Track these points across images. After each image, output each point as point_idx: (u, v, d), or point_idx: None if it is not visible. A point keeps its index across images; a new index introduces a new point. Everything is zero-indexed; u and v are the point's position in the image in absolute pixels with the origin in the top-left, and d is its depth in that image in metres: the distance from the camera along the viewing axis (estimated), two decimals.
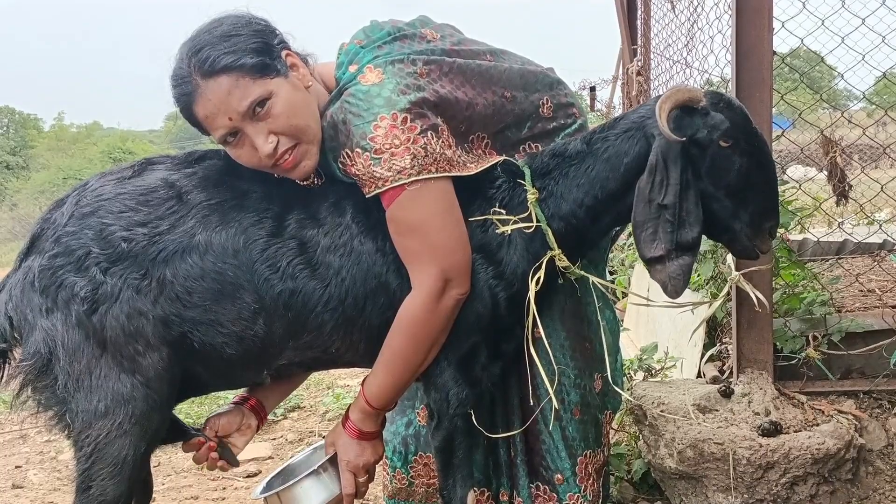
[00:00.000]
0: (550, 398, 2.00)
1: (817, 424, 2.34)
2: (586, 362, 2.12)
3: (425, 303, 1.83)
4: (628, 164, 1.86)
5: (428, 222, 1.83)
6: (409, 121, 1.79)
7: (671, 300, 1.90)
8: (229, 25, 1.81)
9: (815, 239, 3.63)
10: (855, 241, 3.80)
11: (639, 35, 5.28)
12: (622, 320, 2.70)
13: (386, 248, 1.89)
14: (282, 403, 2.21)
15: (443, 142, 1.84)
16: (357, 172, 1.82)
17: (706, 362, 2.77)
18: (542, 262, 1.93)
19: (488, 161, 1.97)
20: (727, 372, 2.61)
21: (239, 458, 3.39)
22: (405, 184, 1.79)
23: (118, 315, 1.78)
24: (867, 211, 3.67)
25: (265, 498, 2.03)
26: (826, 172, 4.29)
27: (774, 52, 2.43)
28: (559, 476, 2.10)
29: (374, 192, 1.82)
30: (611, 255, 4.14)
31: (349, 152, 1.82)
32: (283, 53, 1.85)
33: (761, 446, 2.25)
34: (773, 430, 2.28)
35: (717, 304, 2.33)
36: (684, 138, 1.78)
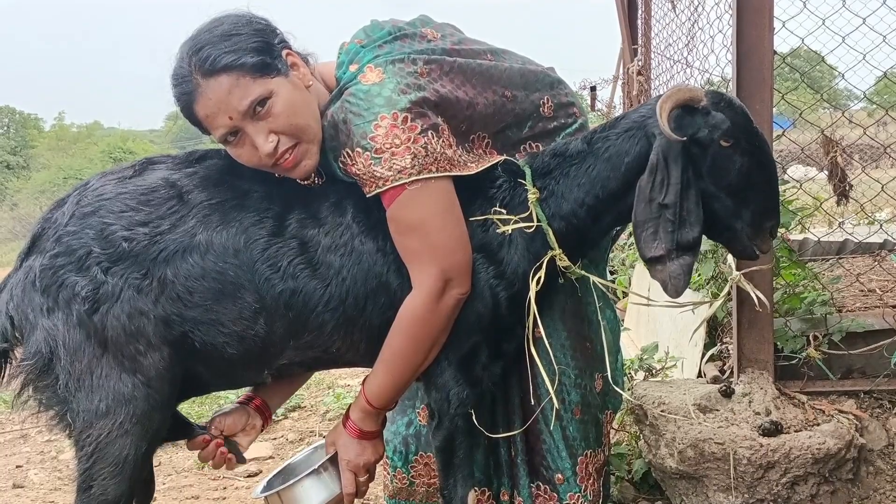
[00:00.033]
0: (551, 398, 1.99)
1: (818, 424, 2.34)
2: (587, 362, 2.12)
3: (426, 302, 1.83)
4: (629, 164, 1.86)
5: (428, 222, 1.83)
6: (409, 120, 1.79)
7: (672, 300, 1.90)
8: (230, 25, 1.81)
9: (816, 239, 3.62)
10: (855, 240, 3.80)
11: (639, 34, 5.28)
12: (623, 320, 2.70)
13: (386, 248, 1.89)
14: (283, 403, 2.22)
15: (443, 141, 1.84)
16: (357, 172, 1.82)
17: (707, 362, 2.78)
18: (542, 262, 1.93)
19: (489, 161, 1.97)
20: (728, 372, 2.61)
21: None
22: (406, 183, 1.79)
23: (119, 315, 1.78)
24: (868, 211, 3.67)
25: (266, 497, 2.03)
26: (826, 172, 4.29)
27: (775, 52, 2.43)
28: (560, 476, 2.10)
29: (375, 192, 1.82)
30: (611, 255, 4.14)
31: (350, 152, 1.82)
32: (284, 53, 1.85)
33: (762, 446, 2.25)
34: (774, 429, 2.28)
35: (717, 303, 2.33)
36: (685, 138, 1.78)
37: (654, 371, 3.19)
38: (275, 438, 3.94)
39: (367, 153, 1.79)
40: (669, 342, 3.34)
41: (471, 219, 1.91)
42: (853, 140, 4.30)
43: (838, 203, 4.35)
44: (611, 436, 2.35)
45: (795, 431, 2.31)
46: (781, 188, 2.36)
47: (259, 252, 1.85)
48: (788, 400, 2.44)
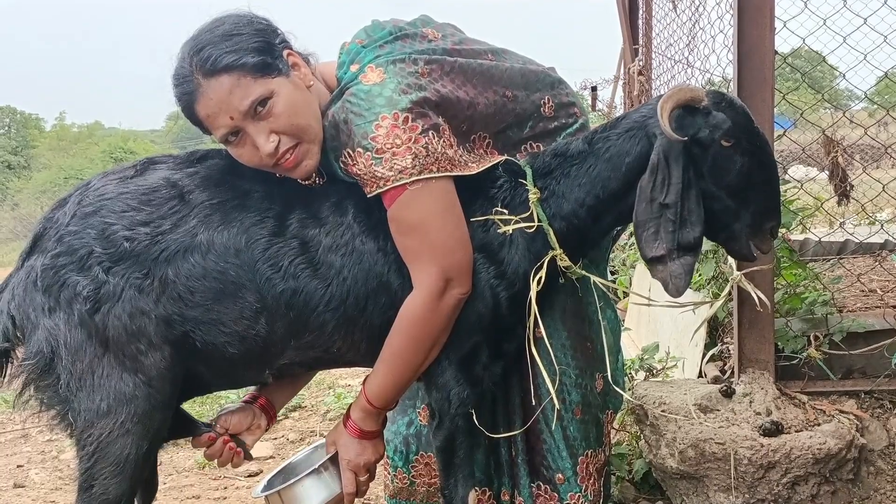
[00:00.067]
0: (552, 398, 1.99)
1: (818, 424, 2.34)
2: (587, 362, 2.12)
3: (426, 302, 1.83)
4: (630, 164, 1.86)
5: (429, 222, 1.83)
6: (410, 120, 1.79)
7: (673, 300, 1.90)
8: (231, 25, 1.82)
9: (817, 239, 3.62)
10: (856, 241, 3.80)
11: (640, 34, 5.28)
12: (623, 320, 2.70)
13: (387, 248, 1.89)
14: (277, 411, 2.22)
15: (444, 141, 1.84)
16: (358, 172, 1.83)
17: (707, 362, 2.78)
18: (543, 262, 1.93)
19: (490, 161, 1.97)
20: (728, 372, 2.61)
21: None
22: (406, 183, 1.80)
23: (120, 314, 1.79)
24: (868, 211, 3.66)
25: (266, 496, 2.03)
26: (827, 172, 4.29)
27: (776, 52, 2.43)
28: (560, 475, 2.10)
29: (376, 192, 1.82)
30: (612, 255, 4.14)
31: (350, 152, 1.82)
32: (285, 53, 1.85)
33: (762, 446, 2.25)
34: (775, 429, 2.28)
35: (718, 303, 2.33)
36: (686, 138, 1.78)
37: (654, 371, 3.19)
38: (275, 438, 3.94)
39: (368, 153, 1.79)
40: (670, 342, 3.34)
41: (472, 219, 1.91)
42: (854, 140, 4.30)
43: (839, 203, 4.35)
44: (611, 436, 2.35)
45: (796, 431, 2.31)
46: (782, 188, 2.36)
47: (260, 252, 1.85)
48: (789, 400, 2.44)
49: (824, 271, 3.19)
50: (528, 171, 1.97)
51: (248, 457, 2.12)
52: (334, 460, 2.00)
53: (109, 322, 1.78)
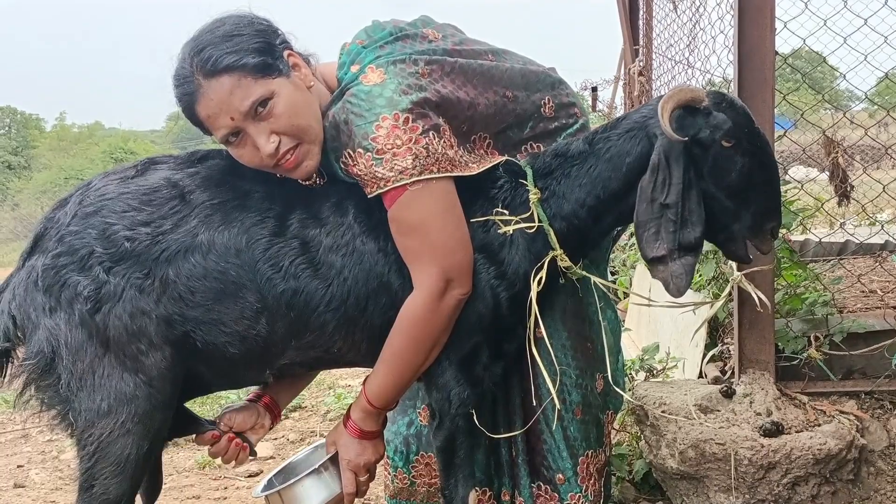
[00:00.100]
0: (552, 398, 1.99)
1: (819, 425, 2.34)
2: (588, 362, 2.12)
3: (427, 303, 1.83)
4: (630, 164, 1.86)
5: (429, 222, 1.83)
6: (410, 121, 1.79)
7: (673, 300, 1.90)
8: (231, 25, 1.82)
9: (817, 239, 3.62)
10: (857, 241, 3.80)
11: (641, 35, 5.28)
12: (623, 321, 2.70)
13: (388, 248, 1.89)
14: (282, 410, 2.22)
15: (444, 142, 1.84)
16: (359, 173, 1.83)
17: (708, 363, 2.78)
18: (543, 262, 1.93)
19: (490, 161, 1.97)
20: (729, 372, 2.61)
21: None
22: (407, 184, 1.80)
23: (121, 314, 1.79)
24: (869, 211, 3.66)
25: (266, 496, 2.03)
26: (828, 173, 4.29)
27: (776, 53, 2.43)
28: (560, 476, 2.10)
29: (376, 193, 1.82)
30: (612, 256, 4.14)
31: (351, 152, 1.82)
32: (286, 53, 1.85)
33: (763, 447, 2.25)
34: (775, 430, 2.28)
35: (718, 304, 2.33)
36: (686, 138, 1.78)
37: (654, 371, 3.19)
38: (276, 438, 3.94)
39: (369, 154, 1.79)
40: (670, 343, 3.34)
41: (472, 219, 1.92)
42: (854, 141, 4.30)
43: (839, 204, 4.35)
44: (612, 436, 2.35)
45: (796, 432, 2.31)
46: (783, 189, 2.36)
47: (261, 252, 1.85)
48: (789, 400, 2.43)
49: (825, 272, 3.19)
50: (529, 172, 1.97)
51: (253, 453, 2.12)
52: (334, 460, 2.00)
53: (110, 322, 1.78)
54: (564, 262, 1.95)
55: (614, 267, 4.98)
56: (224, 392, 3.74)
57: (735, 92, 2.39)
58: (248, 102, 1.77)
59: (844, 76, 3.06)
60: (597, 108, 7.86)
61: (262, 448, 3.72)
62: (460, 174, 1.87)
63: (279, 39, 1.87)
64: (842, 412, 2.41)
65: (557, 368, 2.02)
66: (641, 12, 5.29)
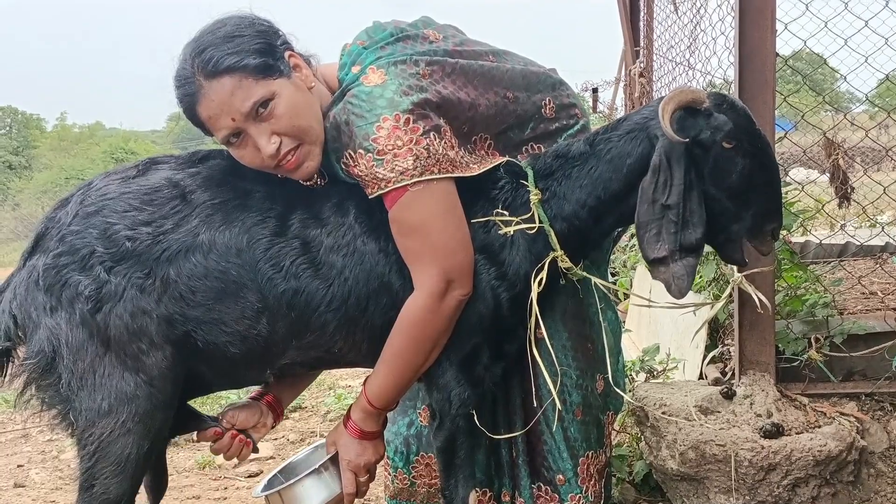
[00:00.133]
0: (553, 399, 2.00)
1: (819, 426, 2.34)
2: (588, 363, 2.13)
3: (427, 303, 1.83)
4: (631, 165, 1.86)
5: (430, 223, 1.83)
6: (411, 122, 1.79)
7: (673, 301, 1.90)
8: (233, 26, 1.82)
9: (818, 241, 3.62)
10: (857, 243, 3.80)
11: (641, 37, 5.28)
12: (624, 322, 2.70)
13: (389, 249, 1.89)
14: (284, 409, 2.23)
15: (445, 143, 1.84)
16: (360, 173, 1.83)
17: (708, 364, 2.77)
18: (544, 263, 1.93)
19: (491, 162, 1.97)
20: (729, 373, 2.61)
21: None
22: (407, 185, 1.80)
23: (122, 314, 1.79)
24: (869, 213, 3.66)
25: (266, 496, 2.03)
26: (828, 175, 4.29)
27: (777, 54, 2.43)
28: (561, 477, 2.10)
29: (377, 193, 1.83)
30: (613, 257, 4.14)
31: (352, 153, 1.82)
32: (287, 54, 1.85)
33: (763, 448, 2.25)
34: (775, 431, 2.28)
35: (719, 305, 2.33)
36: (687, 139, 1.78)
37: (655, 373, 3.19)
38: (276, 439, 3.94)
39: (370, 154, 1.79)
40: (671, 344, 3.34)
41: (473, 220, 1.92)
42: (855, 143, 4.30)
43: (840, 206, 4.35)
44: (612, 437, 2.35)
45: (797, 433, 2.31)
46: (783, 190, 2.36)
47: (262, 252, 1.85)
48: (790, 402, 2.43)
49: (825, 273, 3.19)
50: (530, 173, 1.97)
51: (255, 450, 2.13)
52: (334, 460, 2.00)
53: (111, 321, 1.79)
54: (565, 262, 1.95)
55: (615, 268, 4.98)
56: (225, 392, 3.74)
57: (736, 93, 2.39)
58: (249, 103, 1.77)
59: (845, 78, 3.07)
60: (597, 110, 7.87)
61: (263, 448, 3.71)
62: (461, 175, 1.87)
63: (280, 40, 1.87)
64: (842, 414, 2.41)
65: (558, 369, 2.02)
66: (642, 13, 5.29)
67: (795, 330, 2.54)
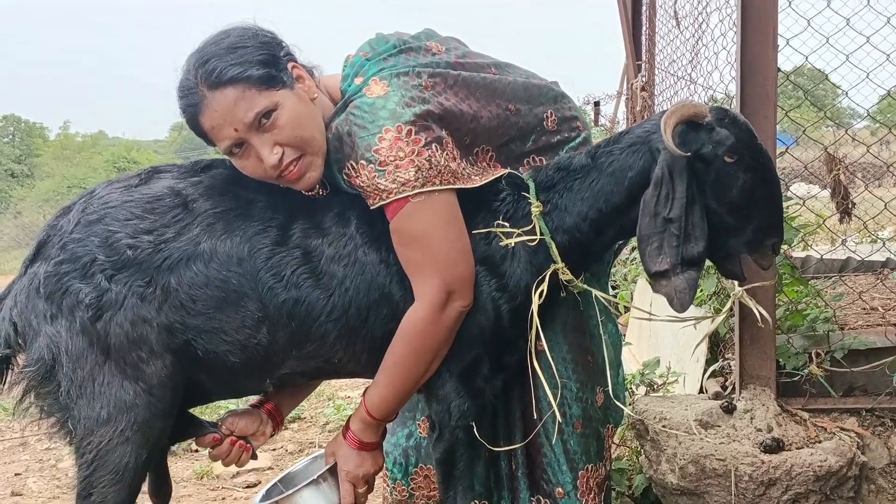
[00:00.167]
0: (553, 411, 1.99)
1: (819, 441, 2.33)
2: (588, 376, 2.12)
3: (428, 314, 1.83)
4: (632, 178, 1.87)
5: (431, 234, 1.83)
6: (413, 133, 1.80)
7: (674, 315, 1.90)
8: (236, 37, 1.83)
9: (819, 256, 3.62)
10: (858, 258, 3.80)
11: (643, 50, 5.29)
12: (624, 335, 2.69)
13: (390, 259, 1.89)
14: (284, 418, 2.22)
15: (447, 154, 1.84)
16: (361, 184, 1.83)
17: (708, 378, 2.77)
18: (545, 275, 1.93)
19: (493, 174, 1.97)
20: (729, 388, 2.60)
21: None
22: (409, 196, 1.80)
23: (122, 322, 1.79)
24: (870, 229, 3.66)
25: None
26: (829, 190, 4.29)
27: (779, 69, 2.44)
28: (560, 490, 2.09)
29: (379, 204, 1.83)
30: (613, 270, 4.14)
31: (354, 164, 1.82)
32: (290, 65, 1.86)
33: (763, 463, 2.25)
34: (776, 446, 2.27)
35: (719, 319, 2.33)
36: (689, 153, 1.79)
37: (655, 386, 3.18)
38: (274, 449, 3.93)
39: (371, 165, 1.80)
40: (671, 357, 3.34)
41: (474, 231, 1.92)
42: (856, 158, 4.31)
43: (841, 221, 4.35)
44: (612, 450, 2.35)
45: (797, 448, 2.30)
46: (784, 205, 2.36)
47: (263, 261, 1.85)
48: (790, 417, 2.43)
49: (826, 288, 3.18)
50: (531, 185, 1.98)
51: (254, 456, 2.12)
52: (333, 471, 2.00)
53: (111, 330, 1.79)
54: (566, 275, 1.95)
55: (615, 281, 4.97)
56: (224, 402, 3.74)
57: (737, 108, 2.40)
58: (251, 114, 1.78)
59: (846, 94, 3.07)
60: (599, 123, 7.88)
61: (261, 459, 3.70)
62: (463, 186, 1.87)
63: (283, 51, 1.88)
64: (843, 429, 2.40)
65: (558, 381, 2.02)
66: (644, 28, 5.31)
67: (796, 344, 2.54)
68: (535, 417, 2.05)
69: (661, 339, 3.69)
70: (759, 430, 2.35)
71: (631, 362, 3.93)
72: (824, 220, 3.31)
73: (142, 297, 1.81)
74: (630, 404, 2.63)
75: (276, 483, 2.15)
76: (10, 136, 51.57)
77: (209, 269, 1.84)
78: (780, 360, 2.50)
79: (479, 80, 1.99)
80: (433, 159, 1.81)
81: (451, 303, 1.84)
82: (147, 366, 1.80)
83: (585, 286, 2.01)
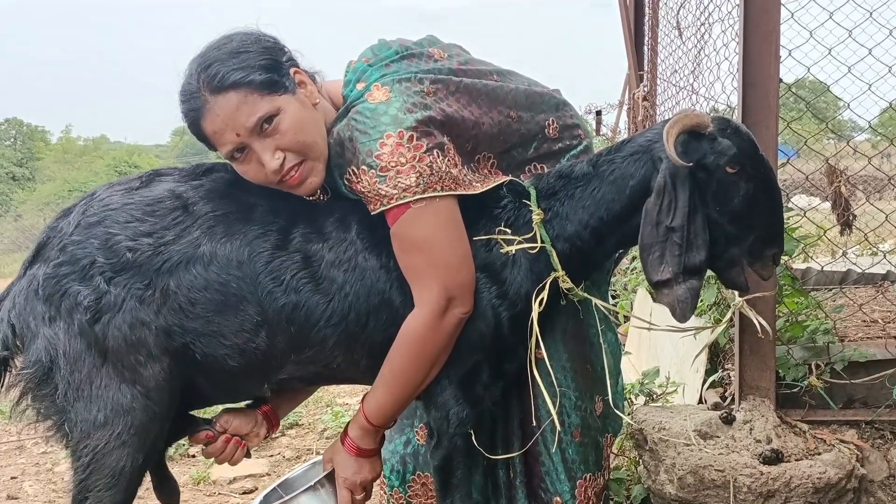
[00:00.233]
0: (552, 420, 1.98)
1: (819, 453, 2.33)
2: (587, 384, 2.12)
3: (428, 320, 1.83)
4: (634, 187, 1.87)
5: (432, 240, 1.83)
6: (415, 139, 1.80)
7: (673, 325, 1.89)
8: (239, 42, 1.83)
9: (819, 268, 3.62)
10: (858, 271, 3.80)
11: (646, 61, 5.30)
12: (624, 344, 2.69)
13: (390, 265, 1.89)
14: (280, 420, 2.22)
15: (448, 160, 1.84)
16: (362, 189, 1.83)
17: (708, 388, 2.76)
18: (545, 283, 1.93)
19: (494, 180, 1.97)
20: (729, 398, 2.59)
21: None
22: (410, 201, 1.80)
23: (120, 325, 1.78)
24: (871, 241, 3.66)
25: None
26: (830, 202, 4.29)
27: (781, 81, 2.44)
28: (558, 499, 2.08)
29: (380, 210, 1.83)
30: (613, 280, 4.14)
31: (355, 169, 1.82)
32: (292, 71, 1.87)
33: (762, 474, 2.24)
34: (775, 458, 2.26)
35: (719, 329, 2.33)
36: (691, 163, 1.79)
37: (654, 396, 3.18)
38: (272, 455, 3.92)
39: (373, 171, 1.80)
40: (670, 367, 3.33)
41: (475, 238, 1.92)
42: (857, 171, 4.31)
43: (842, 233, 4.35)
44: (610, 460, 2.34)
45: (796, 460, 2.29)
46: (785, 216, 2.36)
47: (262, 265, 1.85)
48: (789, 428, 2.42)
49: (826, 300, 3.18)
50: (533, 192, 1.98)
51: (248, 454, 2.11)
52: (331, 478, 1.99)
53: (109, 332, 1.78)
54: (566, 283, 1.95)
55: (615, 291, 4.97)
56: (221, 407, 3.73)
57: (739, 119, 2.40)
58: (253, 119, 1.78)
59: (848, 105, 3.07)
60: (600, 132, 7.89)
61: (258, 465, 3.70)
62: (464, 193, 1.87)
63: (286, 57, 1.88)
64: (842, 441, 2.39)
65: (557, 390, 2.01)
66: (646, 38, 5.32)
67: (796, 356, 2.54)
68: (534, 426, 2.04)
69: (661, 349, 3.69)
70: (759, 441, 2.34)
71: (630, 372, 3.92)
72: (825, 232, 3.31)
73: (141, 300, 1.80)
74: (629, 414, 2.62)
75: (273, 489, 2.15)
76: (12, 140, 51.66)
77: (209, 272, 1.83)
78: (780, 371, 2.50)
79: (480, 87, 1.99)
80: (434, 165, 1.81)
81: (452, 309, 1.84)
82: (145, 369, 1.80)
83: (586, 294, 2.01)
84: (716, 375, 2.80)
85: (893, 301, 3.26)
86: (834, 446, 2.36)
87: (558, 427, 2.00)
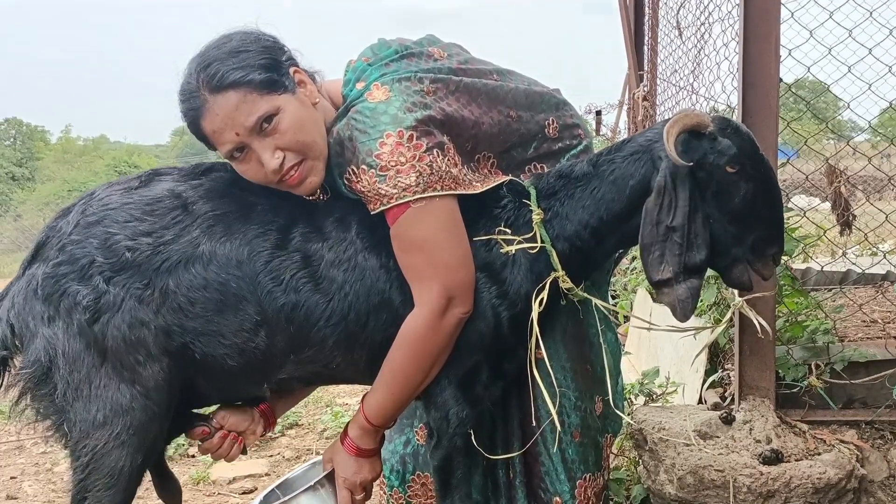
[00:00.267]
0: (551, 420, 1.98)
1: (818, 454, 2.32)
2: (587, 384, 2.12)
3: (427, 320, 1.83)
4: (634, 187, 1.86)
5: (432, 240, 1.83)
6: (414, 138, 1.79)
7: (673, 325, 1.89)
8: (238, 41, 1.83)
9: (819, 268, 3.62)
10: (858, 271, 3.80)
11: (645, 61, 5.30)
12: (624, 345, 2.69)
13: (390, 265, 1.89)
14: (280, 421, 2.21)
15: (448, 160, 1.84)
16: (362, 189, 1.83)
17: (708, 388, 2.76)
18: (545, 283, 1.93)
19: (494, 180, 1.97)
20: (729, 398, 2.59)
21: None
22: (410, 201, 1.80)
23: (120, 324, 1.78)
24: (871, 241, 3.66)
25: None
26: (830, 202, 4.29)
27: (781, 80, 2.44)
28: (558, 499, 2.08)
29: (379, 209, 1.83)
30: (613, 280, 4.13)
31: (355, 169, 1.82)
32: (291, 70, 1.86)
33: (762, 474, 2.24)
34: (774, 458, 2.26)
35: (719, 329, 2.32)
36: (691, 163, 1.78)
37: (654, 396, 3.17)
38: (271, 455, 3.92)
39: (372, 170, 1.79)
40: (670, 367, 3.33)
41: (475, 238, 1.91)
42: (857, 171, 4.31)
43: (841, 233, 4.35)
44: (610, 460, 2.34)
45: (796, 460, 2.29)
46: (785, 216, 2.36)
47: (262, 264, 1.85)
48: (789, 428, 2.42)
49: (826, 300, 3.18)
50: (533, 192, 1.97)
51: (244, 451, 2.11)
52: (331, 478, 1.99)
53: (108, 332, 1.78)
54: (566, 283, 1.95)
55: (615, 291, 4.97)
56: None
57: (739, 119, 2.40)
58: (253, 118, 1.78)
59: (848, 105, 3.07)
60: (600, 132, 7.89)
61: (257, 465, 3.70)
62: (464, 192, 1.87)
63: (285, 56, 1.88)
64: (842, 441, 2.39)
65: (557, 390, 2.01)
66: (646, 38, 5.32)
67: (796, 356, 2.53)
68: (534, 426, 2.04)
69: (661, 349, 3.68)
70: (759, 441, 2.34)
71: (630, 372, 3.92)
72: (825, 232, 3.31)
73: (140, 300, 1.80)
74: (629, 414, 2.62)
75: (273, 489, 2.15)
76: (12, 140, 51.65)
77: (208, 271, 1.83)
78: (780, 371, 2.50)
79: (480, 87, 1.99)
80: (434, 165, 1.81)
81: (451, 309, 1.84)
82: (144, 369, 1.80)
83: (585, 294, 2.01)
84: (716, 375, 2.80)
85: (893, 301, 3.26)
86: (834, 446, 2.35)
87: (558, 427, 2.00)
